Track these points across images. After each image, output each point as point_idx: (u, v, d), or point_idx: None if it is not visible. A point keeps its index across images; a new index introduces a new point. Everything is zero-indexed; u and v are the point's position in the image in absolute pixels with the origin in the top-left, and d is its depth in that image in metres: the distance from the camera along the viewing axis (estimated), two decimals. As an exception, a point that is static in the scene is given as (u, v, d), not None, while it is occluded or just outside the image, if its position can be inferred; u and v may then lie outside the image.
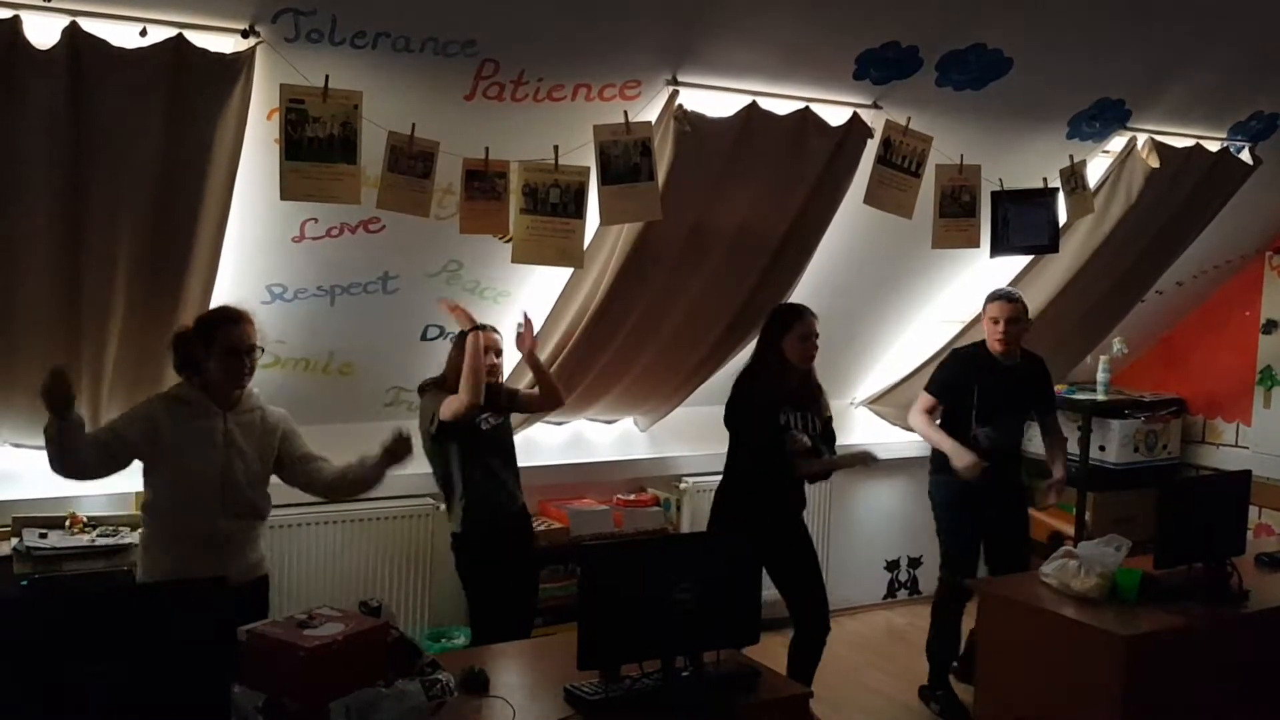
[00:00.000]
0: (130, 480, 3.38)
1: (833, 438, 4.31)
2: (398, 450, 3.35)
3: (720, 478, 4.31)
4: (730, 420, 4.18)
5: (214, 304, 3.79)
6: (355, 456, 3.42)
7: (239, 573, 3.16)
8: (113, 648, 2.15)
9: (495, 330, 4.08)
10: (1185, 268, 5.84)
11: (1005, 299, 4.60)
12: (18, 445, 4.00)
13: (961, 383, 4.61)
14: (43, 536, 3.84)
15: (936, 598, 4.79)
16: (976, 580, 4.03)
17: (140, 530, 3.38)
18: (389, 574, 4.73)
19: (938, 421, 4.67)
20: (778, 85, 4.05)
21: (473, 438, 4.03)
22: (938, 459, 4.68)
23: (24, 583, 3.71)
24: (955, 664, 4.78)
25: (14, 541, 3.83)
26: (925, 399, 4.72)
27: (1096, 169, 5.06)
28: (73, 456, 3.05)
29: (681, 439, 5.44)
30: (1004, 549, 4.69)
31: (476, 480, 4.03)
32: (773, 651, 4.50)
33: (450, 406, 3.90)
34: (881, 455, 4.61)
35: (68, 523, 3.95)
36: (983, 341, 4.68)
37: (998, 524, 4.66)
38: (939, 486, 4.70)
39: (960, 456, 4.49)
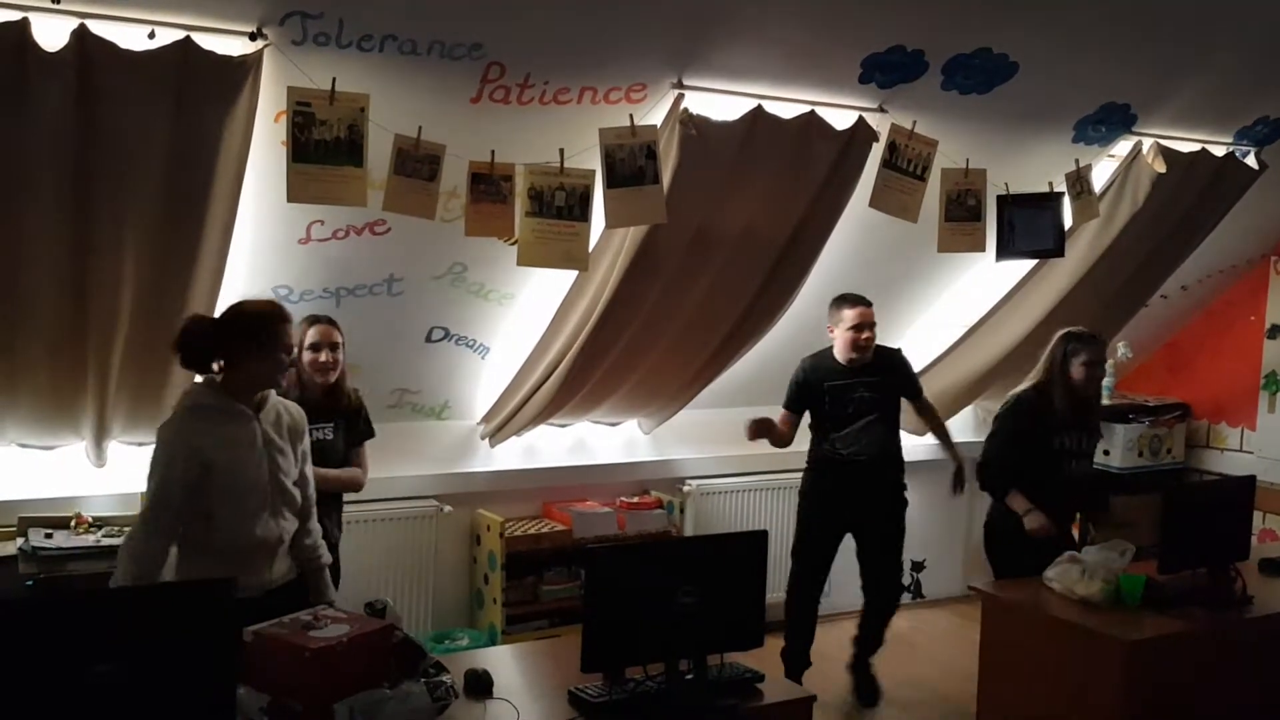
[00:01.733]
0: (135, 480, 3.34)
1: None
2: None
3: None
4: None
5: (218, 305, 3.79)
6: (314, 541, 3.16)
7: (280, 574, 3.02)
8: (118, 648, 2.15)
9: (331, 322, 3.74)
10: (1190, 272, 5.84)
11: (864, 303, 4.50)
12: (24, 445, 4.01)
13: (812, 391, 4.55)
14: (48, 536, 3.84)
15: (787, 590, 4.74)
16: (980, 585, 4.01)
17: None
18: (393, 575, 4.73)
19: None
20: (783, 89, 4.05)
21: None
22: (809, 456, 4.68)
23: (29, 583, 3.71)
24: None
25: (19, 541, 3.83)
26: (780, 414, 4.62)
27: (1102, 173, 5.06)
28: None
29: (685, 442, 5.44)
30: (872, 558, 4.65)
31: None
32: (776, 655, 4.50)
33: None
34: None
35: (73, 523, 3.95)
36: (830, 348, 4.58)
37: (866, 533, 4.63)
38: (804, 482, 4.71)
39: (751, 430, 4.45)
